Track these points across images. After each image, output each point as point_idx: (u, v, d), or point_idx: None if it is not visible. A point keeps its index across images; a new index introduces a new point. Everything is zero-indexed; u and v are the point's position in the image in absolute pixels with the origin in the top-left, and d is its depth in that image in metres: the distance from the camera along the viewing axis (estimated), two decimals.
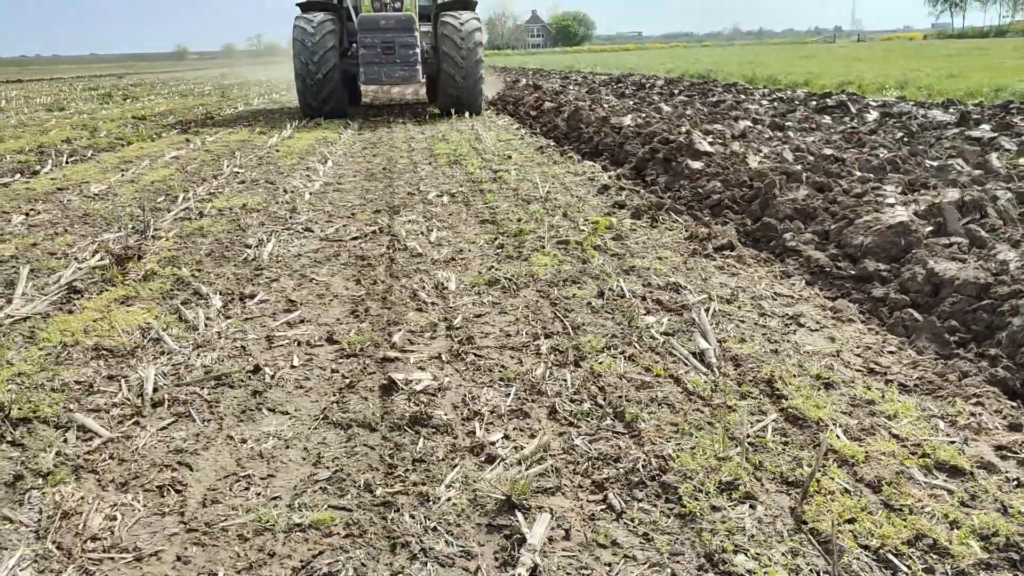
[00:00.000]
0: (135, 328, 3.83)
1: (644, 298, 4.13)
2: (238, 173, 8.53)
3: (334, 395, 3.13)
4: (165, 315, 4.03)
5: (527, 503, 2.32)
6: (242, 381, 3.26)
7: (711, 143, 8.82)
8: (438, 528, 2.25)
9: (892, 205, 5.62)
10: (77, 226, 6.12)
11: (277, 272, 4.82)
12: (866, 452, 2.53)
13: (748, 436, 2.65)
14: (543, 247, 5.16)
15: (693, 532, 2.18)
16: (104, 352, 3.55)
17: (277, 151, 10.34)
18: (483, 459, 2.61)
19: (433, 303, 4.17)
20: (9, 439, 2.77)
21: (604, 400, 2.99)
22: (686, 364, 3.29)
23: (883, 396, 2.98)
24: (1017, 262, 4.47)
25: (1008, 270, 4.40)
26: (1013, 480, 2.40)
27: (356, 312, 4.09)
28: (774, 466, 2.48)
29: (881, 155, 7.92)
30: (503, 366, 3.34)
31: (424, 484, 2.46)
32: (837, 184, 6.65)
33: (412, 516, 2.30)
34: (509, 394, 3.08)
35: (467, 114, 14.51)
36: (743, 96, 16.65)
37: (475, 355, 3.46)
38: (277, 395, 3.15)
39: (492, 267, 4.78)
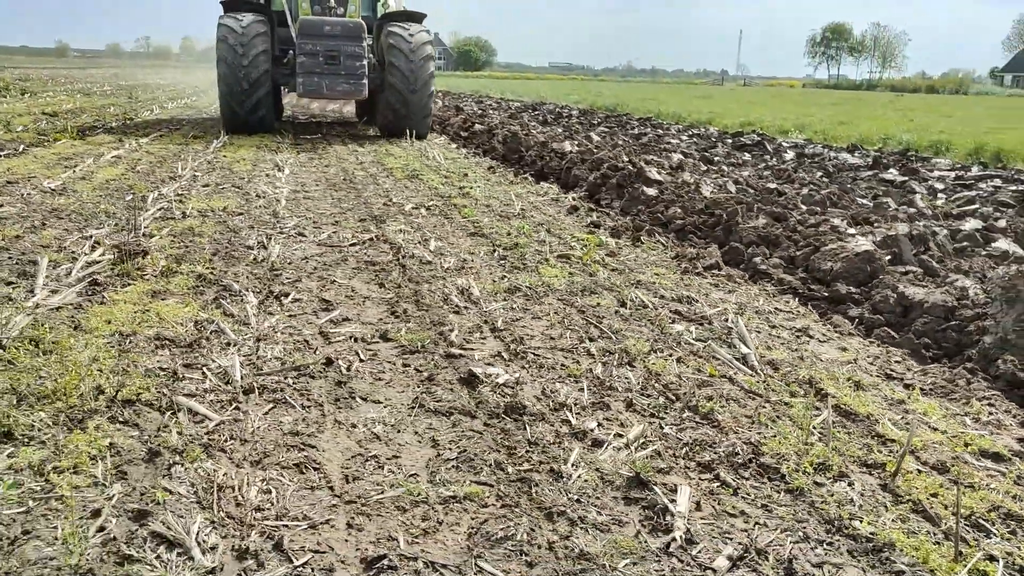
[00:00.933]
0: (187, 320, 3.87)
1: (663, 309, 4.46)
2: (197, 176, 8.42)
3: (417, 386, 3.30)
4: (210, 309, 4.07)
5: (652, 480, 2.58)
6: (320, 372, 3.38)
7: (657, 172, 9.33)
8: (581, 500, 2.48)
9: (853, 236, 6.20)
10: (53, 220, 5.97)
11: (295, 273, 4.90)
12: (921, 441, 2.92)
13: (814, 427, 3.00)
14: (547, 260, 5.43)
15: (807, 503, 2.50)
16: (167, 342, 3.59)
17: (224, 156, 10.21)
18: (590, 443, 2.85)
19: (466, 307, 4.38)
20: (123, 419, 2.82)
21: (672, 396, 3.28)
22: (731, 366, 3.63)
23: (909, 397, 3.41)
24: (975, 289, 5.05)
25: (968, 296, 4.97)
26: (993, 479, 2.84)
27: (395, 312, 4.24)
28: (850, 451, 2.84)
29: (822, 191, 8.60)
30: (563, 365, 3.59)
31: (550, 463, 2.68)
32: (791, 215, 7.22)
33: (552, 490, 2.52)
34: (583, 388, 3.33)
35: (409, 136, 13.23)
36: (660, 131, 17.46)
37: (532, 354, 3.69)
38: (361, 385, 3.29)
39: (504, 277, 5.02)
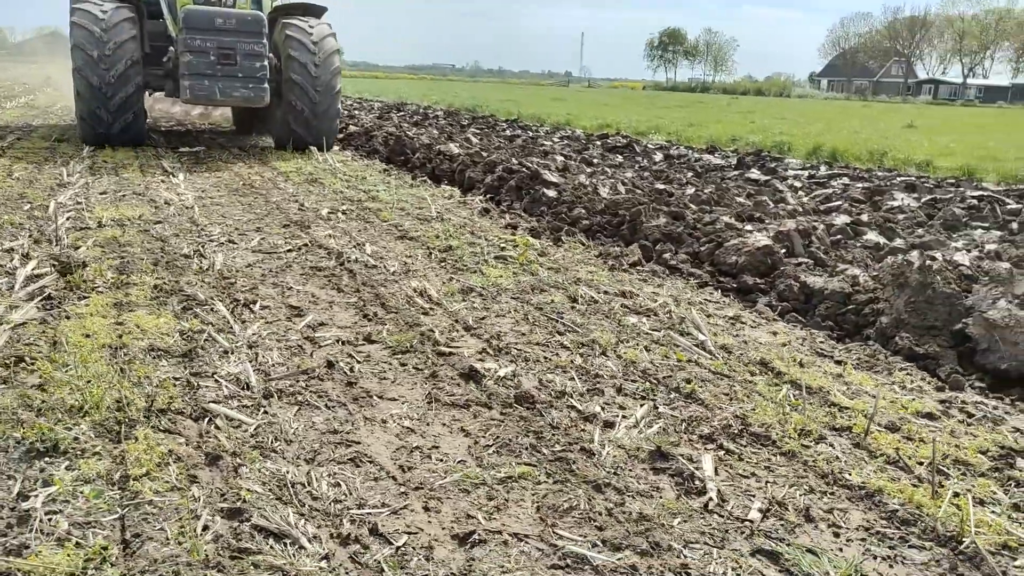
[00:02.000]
0: (172, 331, 3.89)
1: (611, 303, 4.86)
2: (89, 183, 8.11)
3: (424, 383, 3.53)
4: (188, 319, 4.10)
5: (671, 452, 2.95)
6: (327, 375, 3.54)
7: (552, 175, 9.80)
8: (618, 473, 2.81)
9: (751, 232, 6.85)
10: None
11: (248, 281, 4.95)
12: (869, 407, 3.45)
13: (782, 400, 3.47)
14: (486, 261, 5.72)
15: (801, 463, 2.94)
16: (162, 352, 3.63)
17: (105, 162, 9.81)
18: (602, 424, 3.19)
19: (432, 308, 4.61)
20: (164, 428, 2.90)
21: (654, 380, 3.67)
22: (693, 352, 4.07)
23: (844, 371, 3.96)
24: (863, 276, 5.77)
25: (860, 283, 5.67)
26: (965, 419, 3.43)
27: (367, 316, 4.42)
28: (819, 418, 3.32)
29: (704, 191, 9.32)
30: (546, 358, 3.91)
31: (577, 443, 3.00)
32: (686, 214, 7.84)
33: (589, 466, 2.84)
34: (573, 378, 3.66)
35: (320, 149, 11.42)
36: (531, 133, 18.03)
37: (515, 350, 3.99)
38: (370, 385, 3.48)
39: (452, 278, 5.27)
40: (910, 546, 2.45)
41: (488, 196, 9.23)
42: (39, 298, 4.26)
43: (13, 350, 3.52)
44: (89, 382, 3.20)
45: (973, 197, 10.17)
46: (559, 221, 7.98)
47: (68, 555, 2.13)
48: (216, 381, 3.36)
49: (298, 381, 3.44)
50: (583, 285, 5.23)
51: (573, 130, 19.47)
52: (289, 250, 5.85)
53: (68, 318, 4.03)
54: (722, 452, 3.01)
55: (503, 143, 14.90)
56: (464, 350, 3.93)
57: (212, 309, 4.30)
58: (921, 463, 2.94)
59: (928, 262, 5.25)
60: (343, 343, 3.98)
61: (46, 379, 3.22)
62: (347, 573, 2.18)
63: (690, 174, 11.81)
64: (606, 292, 5.11)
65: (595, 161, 12.56)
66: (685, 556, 2.33)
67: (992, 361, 4.37)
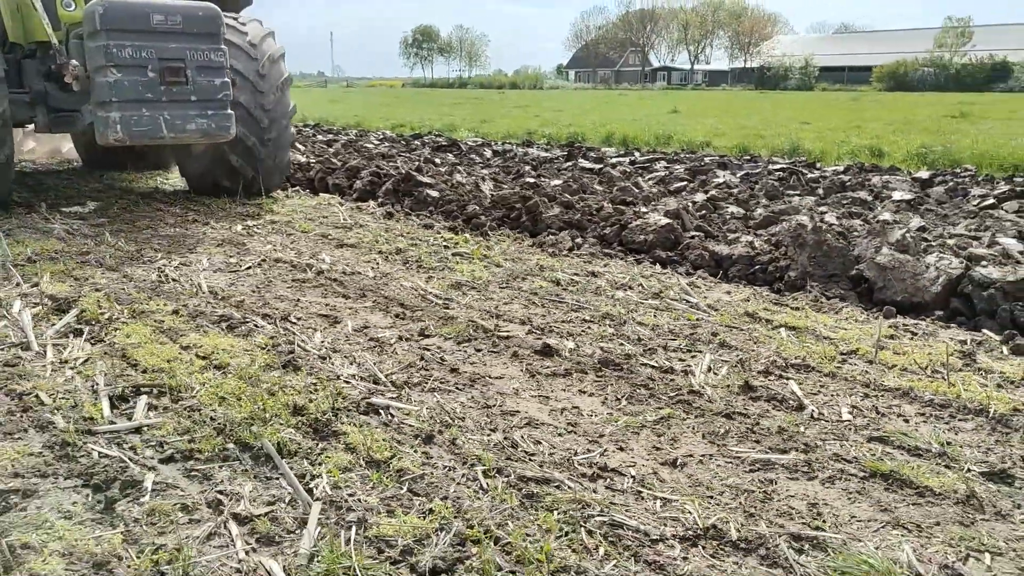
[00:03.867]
0: (240, 351, 4.09)
1: (590, 282, 5.57)
2: None
3: (511, 362, 4.05)
4: (240, 338, 4.30)
5: (755, 384, 3.73)
6: (431, 366, 3.96)
7: (427, 176, 10.28)
8: (731, 404, 3.54)
9: (647, 213, 7.83)
10: None
11: (256, 299, 5.12)
12: (853, 336, 4.44)
13: (793, 340, 4.38)
14: (447, 259, 6.20)
15: (843, 379, 3.83)
16: (265, 365, 3.86)
17: None
18: (682, 372, 3.90)
19: (446, 302, 5.07)
20: (359, 423, 3.23)
21: (687, 336, 4.44)
22: (695, 312, 4.88)
23: (808, 315, 4.95)
24: (759, 242, 6.90)
25: (756, 247, 6.80)
26: (913, 336, 4.51)
27: (398, 315, 4.80)
28: (827, 350, 4.25)
29: (570, 182, 10.24)
30: (582, 332, 4.55)
31: (682, 389, 3.69)
32: (574, 203, 8.69)
33: (712, 404, 3.54)
34: (623, 343, 4.34)
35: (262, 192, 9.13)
36: (351, 136, 18.18)
37: (554, 328, 4.59)
38: (471, 368, 3.95)
39: (431, 277, 5.73)
40: (958, 419, 3.40)
41: (361, 198, 9.52)
42: (69, 330, 4.24)
43: (127, 381, 3.60)
44: (240, 397, 3.41)
45: (777, 170, 11.94)
46: (452, 219, 8.52)
47: (411, 520, 2.51)
48: (346, 382, 3.68)
49: (418, 372, 3.83)
50: (550, 271, 5.89)
51: (385, 132, 19.79)
52: (249, 267, 5.97)
53: (141, 346, 4.08)
54: (784, 380, 3.83)
55: (326, 148, 14.97)
56: (515, 333, 4.47)
57: (257, 326, 4.49)
58: (924, 367, 3.94)
59: (819, 224, 6.45)
60: (405, 339, 4.37)
61: (201, 400, 3.39)
62: (628, 507, 2.74)
63: (528, 167, 12.70)
64: (577, 274, 5.81)
65: (438, 161, 13.12)
66: (828, 449, 3.11)
67: (888, 296, 5.56)
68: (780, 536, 2.48)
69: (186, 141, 7.74)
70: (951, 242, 6.60)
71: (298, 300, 5.10)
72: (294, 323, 4.59)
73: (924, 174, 11.04)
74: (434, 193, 9.32)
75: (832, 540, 2.48)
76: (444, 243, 6.82)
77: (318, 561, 2.30)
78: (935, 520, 2.62)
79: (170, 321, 4.54)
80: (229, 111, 7.74)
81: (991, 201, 9.03)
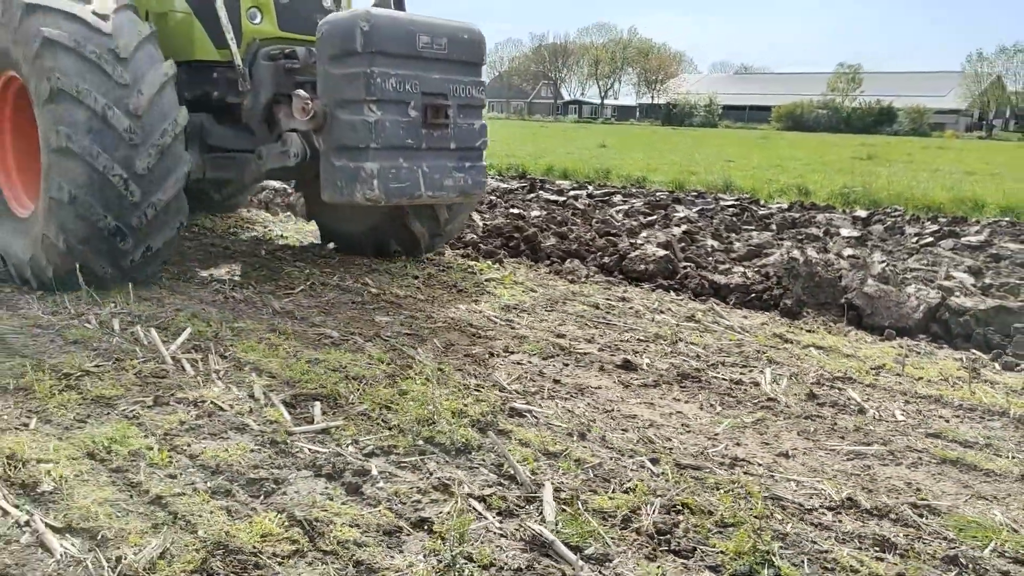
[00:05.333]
0: (363, 363, 4.56)
1: (626, 306, 6.23)
2: None
3: (600, 375, 4.64)
4: (352, 352, 4.76)
5: (816, 393, 4.44)
6: (533, 382, 4.52)
7: None
8: (804, 408, 4.24)
9: (642, 244, 8.56)
10: None
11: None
12: (864, 355, 5.24)
13: (821, 354, 5.14)
14: (483, 283, 6.76)
15: (883, 388, 4.59)
16: (389, 383, 4.34)
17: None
18: (751, 383, 4.58)
19: (505, 323, 5.63)
20: (517, 424, 3.77)
21: (737, 354, 5.14)
22: (733, 333, 5.60)
23: (825, 337, 5.74)
24: (751, 272, 7.72)
25: (749, 277, 7.62)
26: (921, 353, 5.34)
27: (475, 335, 5.33)
28: (857, 365, 5.02)
29: (555, 215, 10.91)
30: (643, 349, 5.19)
31: (760, 397, 4.37)
32: (567, 234, 9.37)
33: (784, 407, 4.23)
34: (685, 360, 5.00)
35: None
36: None
37: (616, 346, 5.22)
38: (572, 380, 4.53)
39: (476, 301, 6.27)
40: (987, 420, 4.20)
41: None
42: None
43: (289, 390, 4.03)
44: (391, 404, 3.90)
45: (728, 206, 12.96)
46: (453, 248, 9.06)
47: (617, 496, 3.08)
48: (477, 390, 4.20)
49: (524, 385, 4.39)
50: (583, 296, 6.52)
51: None
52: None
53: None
54: (835, 389, 4.56)
55: None
56: (588, 350, 5.07)
57: (363, 341, 4.95)
58: (945, 378, 4.75)
59: (811, 257, 7.32)
60: (495, 355, 4.91)
61: (369, 407, 3.87)
62: (773, 486, 3.37)
63: (494, 197, 13.33)
64: (609, 299, 6.47)
65: None
66: (899, 442, 3.84)
67: (876, 321, 6.42)
68: (901, 505, 3.17)
69: (441, 201, 6.35)
70: (915, 275, 7.57)
71: (373, 321, 5.56)
72: (389, 339, 5.06)
73: (862, 213, 12.25)
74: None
75: (940, 507, 3.18)
76: (468, 268, 7.35)
77: (562, 526, 2.85)
78: (1005, 493, 3.36)
79: (287, 328, 4.94)
80: (484, 163, 6.22)
81: (929, 239, 10.20)
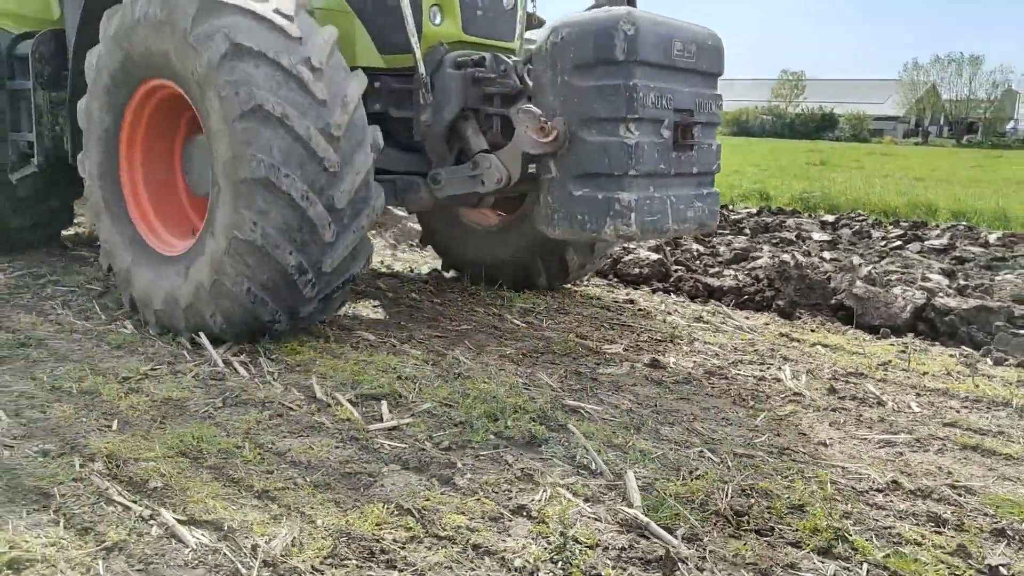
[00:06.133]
0: (421, 363, 4.74)
1: (634, 307, 6.50)
2: None
3: (630, 373, 4.91)
4: (396, 356, 4.94)
5: (836, 387, 4.77)
6: (572, 379, 4.76)
7: None
8: (828, 401, 4.56)
9: (635, 248, 8.86)
10: None
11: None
12: (868, 352, 5.60)
13: (832, 350, 5.48)
14: (493, 291, 6.98)
15: (895, 383, 4.94)
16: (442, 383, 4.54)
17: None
18: (773, 380, 4.89)
19: (527, 326, 5.86)
20: (568, 417, 4.01)
21: (752, 352, 5.45)
22: (743, 333, 5.91)
23: (827, 336, 6.10)
24: (741, 275, 8.07)
25: (740, 280, 7.96)
26: (920, 349, 5.73)
27: (501, 338, 5.54)
28: (864, 361, 5.37)
29: None
30: (666, 349, 5.47)
31: (786, 392, 4.68)
32: None
33: (810, 400, 4.54)
34: (707, 358, 5.29)
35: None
36: None
37: (639, 344, 5.49)
38: (606, 379, 4.78)
39: (491, 305, 6.48)
40: (993, 411, 4.57)
41: None
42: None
43: (351, 391, 4.20)
44: (452, 401, 4.11)
45: None
46: None
47: (691, 482, 3.33)
48: (525, 388, 4.42)
49: (565, 383, 4.62)
50: (592, 299, 6.79)
51: None
52: None
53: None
54: (854, 383, 4.90)
55: None
56: (614, 351, 5.33)
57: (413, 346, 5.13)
58: (948, 372, 5.12)
59: (800, 260, 7.70)
60: (527, 355, 5.13)
61: (433, 405, 4.06)
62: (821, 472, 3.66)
63: None
64: (616, 300, 6.75)
65: None
66: (921, 431, 4.17)
67: (867, 321, 6.80)
68: (940, 486, 3.48)
69: (682, 234, 5.96)
70: (896, 277, 8.01)
71: (400, 325, 5.73)
72: (423, 341, 5.24)
73: (829, 218, 12.78)
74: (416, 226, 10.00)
75: (973, 487, 3.50)
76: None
77: (649, 509, 3.09)
78: None
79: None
80: (717, 189, 5.38)
81: (896, 243, 10.72)
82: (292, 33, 4.46)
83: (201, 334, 4.78)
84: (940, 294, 7.01)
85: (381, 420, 3.88)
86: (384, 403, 4.03)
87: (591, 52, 4.52)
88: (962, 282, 7.97)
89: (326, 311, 5.11)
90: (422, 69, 5.17)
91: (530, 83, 5.04)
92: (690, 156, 4.90)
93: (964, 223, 12.80)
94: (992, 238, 10.99)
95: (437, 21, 5.45)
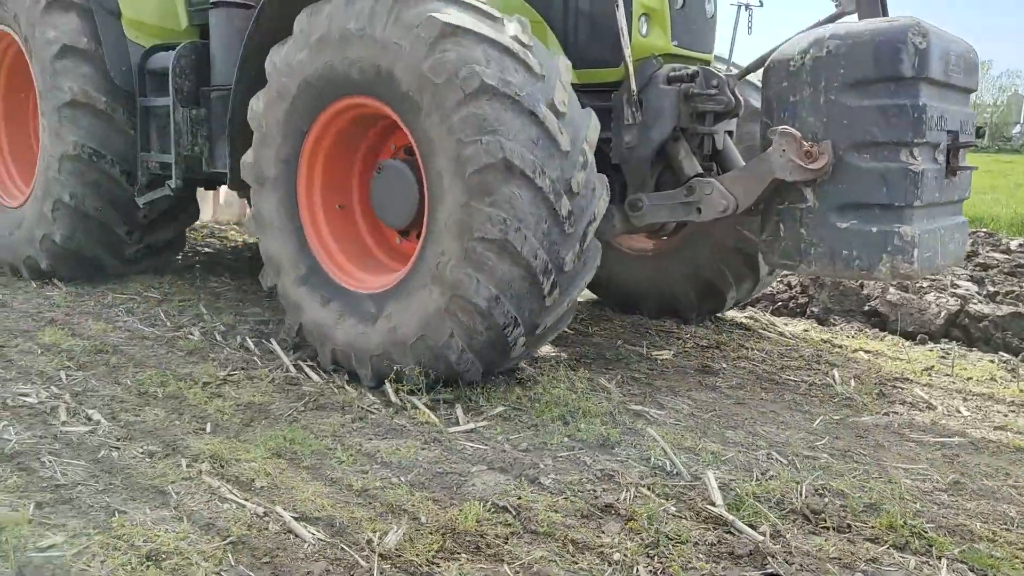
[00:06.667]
0: None
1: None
2: None
3: (684, 377, 5.07)
4: None
5: (885, 392, 4.93)
6: (629, 385, 4.92)
7: None
8: (880, 403, 4.71)
9: None
10: None
11: None
12: (909, 357, 5.75)
13: (858, 354, 5.63)
14: None
15: (939, 388, 5.09)
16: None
17: None
18: (823, 385, 5.05)
19: (572, 333, 6.03)
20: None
21: (798, 357, 5.61)
22: (789, 338, 6.07)
23: (866, 342, 6.25)
24: (774, 282, 8.22)
25: (774, 288, 8.12)
26: (958, 354, 5.88)
27: (553, 342, 5.71)
28: (904, 367, 5.52)
29: None
30: (704, 357, 5.63)
31: (840, 396, 4.84)
32: None
33: (864, 405, 4.70)
34: (757, 366, 5.45)
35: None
36: None
37: (670, 345, 5.65)
38: (663, 384, 4.94)
39: None
40: None
41: None
42: None
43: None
44: (521, 405, 4.28)
45: None
46: None
47: (766, 483, 3.49)
48: (593, 392, 4.59)
49: (625, 388, 4.79)
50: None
51: None
52: None
53: None
54: (901, 388, 5.05)
55: None
56: (664, 356, 5.49)
57: None
58: (992, 377, 5.28)
59: None
60: (579, 359, 5.30)
61: (515, 406, 4.23)
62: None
63: None
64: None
65: None
66: (973, 434, 4.33)
67: (900, 327, 6.97)
68: (1002, 487, 3.64)
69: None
70: (924, 284, 8.16)
71: None
72: None
73: None
74: None
75: None
76: None
77: (730, 508, 3.25)
78: None
79: None
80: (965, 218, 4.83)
81: None
82: (535, 69, 3.98)
83: (272, 340, 4.96)
84: (973, 301, 7.16)
85: (458, 423, 4.04)
86: (459, 407, 4.19)
87: (871, 67, 4.02)
88: (991, 288, 8.12)
89: (511, 371, 4.81)
90: (634, 85, 4.70)
91: (751, 101, 4.74)
92: (954, 182, 4.39)
93: (984, 229, 12.92)
94: (1013, 244, 11.13)
95: (645, 31, 4.93)
